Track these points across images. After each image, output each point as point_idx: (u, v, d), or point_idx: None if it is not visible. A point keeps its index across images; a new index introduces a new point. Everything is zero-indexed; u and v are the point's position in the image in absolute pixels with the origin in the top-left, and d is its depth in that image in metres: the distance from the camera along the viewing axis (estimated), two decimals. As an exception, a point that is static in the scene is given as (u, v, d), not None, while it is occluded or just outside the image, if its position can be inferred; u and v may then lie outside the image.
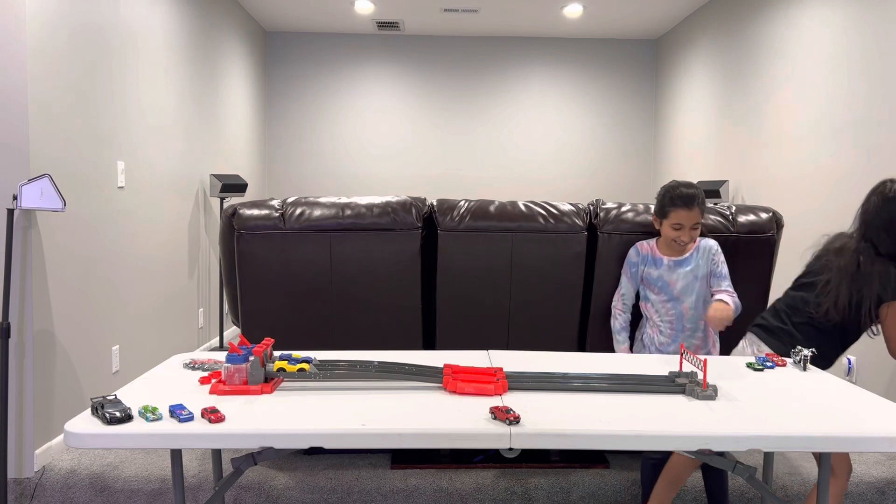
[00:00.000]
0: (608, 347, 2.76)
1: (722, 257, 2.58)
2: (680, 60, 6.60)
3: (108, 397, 1.57)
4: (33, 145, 2.92)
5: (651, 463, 2.51)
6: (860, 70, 3.79)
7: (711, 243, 2.59)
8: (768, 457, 2.24)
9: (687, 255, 2.56)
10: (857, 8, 3.83)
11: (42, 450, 2.97)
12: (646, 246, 2.62)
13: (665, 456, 2.43)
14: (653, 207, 2.83)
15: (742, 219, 2.79)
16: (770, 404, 1.72)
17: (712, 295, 2.55)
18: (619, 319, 2.65)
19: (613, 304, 2.67)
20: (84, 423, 1.50)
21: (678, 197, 2.48)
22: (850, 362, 3.75)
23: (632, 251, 2.63)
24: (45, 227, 3.02)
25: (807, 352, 2.13)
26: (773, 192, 4.66)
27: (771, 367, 2.10)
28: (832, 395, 1.81)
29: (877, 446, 1.56)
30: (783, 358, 2.16)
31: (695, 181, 6.02)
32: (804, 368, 2.09)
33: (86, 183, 3.37)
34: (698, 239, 2.58)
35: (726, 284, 2.55)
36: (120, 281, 3.75)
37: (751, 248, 2.76)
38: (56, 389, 3.11)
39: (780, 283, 4.38)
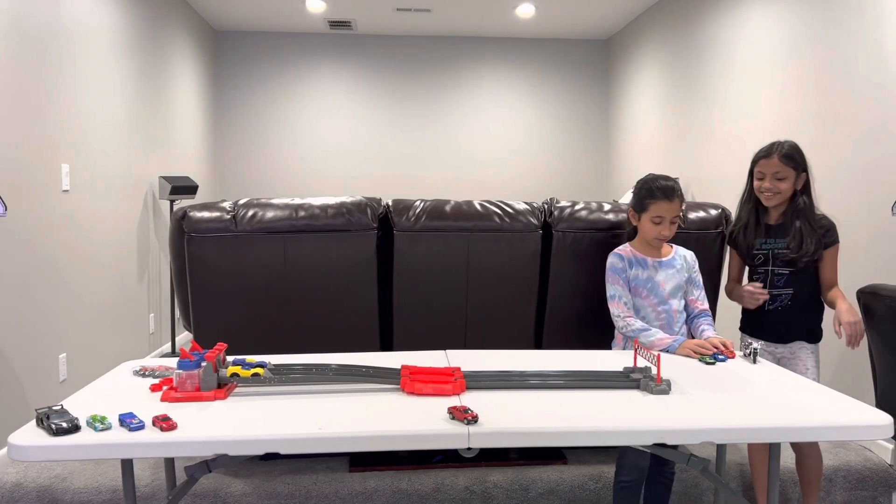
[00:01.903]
0: (564, 344, 2.78)
1: (698, 265, 2.55)
2: (630, 60, 6.71)
3: (54, 407, 1.52)
4: (-29, 148, 2.82)
5: (622, 486, 2.36)
6: (804, 68, 3.90)
7: (689, 252, 2.55)
8: (721, 449, 2.28)
9: (669, 256, 2.50)
10: (802, 8, 3.93)
11: (-15, 463, 2.86)
12: (626, 250, 2.49)
13: (639, 481, 2.34)
14: (607, 206, 2.86)
15: (692, 215, 2.84)
16: (722, 397, 1.75)
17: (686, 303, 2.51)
18: (635, 323, 2.39)
19: (616, 314, 2.43)
20: (29, 435, 1.45)
21: (658, 189, 2.40)
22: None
23: (613, 259, 2.48)
24: (-14, 232, 2.91)
25: (756, 345, 2.18)
26: (722, 189, 4.77)
27: (723, 361, 2.15)
28: (781, 387, 1.86)
29: (824, 435, 1.61)
30: (732, 351, 2.21)
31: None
32: (754, 361, 2.14)
33: (29, 187, 3.26)
34: (674, 246, 2.53)
35: (700, 294, 2.51)
36: (66, 287, 3.64)
37: (700, 243, 2.81)
38: (-1, 400, 3.00)
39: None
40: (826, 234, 2.47)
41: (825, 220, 2.50)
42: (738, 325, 2.68)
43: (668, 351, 2.27)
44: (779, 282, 2.51)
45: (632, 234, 2.56)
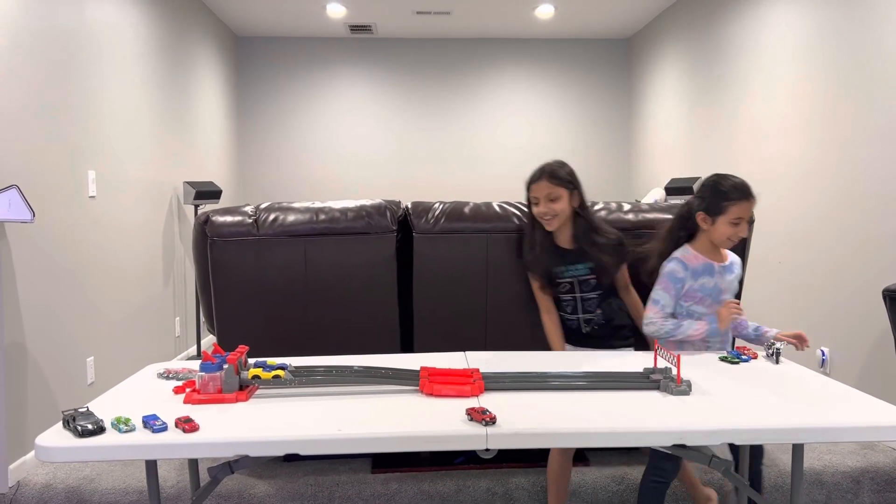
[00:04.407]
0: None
1: None
2: (651, 59, 6.66)
3: (80, 409, 1.55)
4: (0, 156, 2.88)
5: (653, 485, 2.25)
6: (826, 67, 3.85)
7: (737, 256, 2.44)
8: (744, 450, 2.26)
9: (728, 260, 2.37)
10: (823, 6, 3.88)
11: (16, 465, 2.92)
12: (689, 257, 2.33)
13: (670, 478, 2.26)
14: (626, 206, 2.84)
15: (714, 215, 2.82)
16: (743, 398, 1.73)
17: None
18: (667, 324, 2.29)
19: (651, 320, 2.31)
20: (55, 437, 1.48)
21: (736, 188, 2.25)
22: (823, 354, 3.80)
23: (675, 266, 2.31)
24: (15, 238, 2.97)
25: (779, 345, 2.16)
26: (745, 188, 4.71)
27: (746, 361, 2.13)
28: (805, 387, 1.84)
29: (849, 436, 1.59)
30: (755, 351, 2.19)
31: (668, 178, 6.09)
32: (776, 361, 2.12)
33: (56, 193, 3.33)
34: (727, 251, 2.40)
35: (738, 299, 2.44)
36: (94, 291, 3.70)
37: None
38: (30, 403, 3.06)
39: (751, 278, 4.44)
40: (621, 251, 2.44)
41: (614, 235, 2.45)
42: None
43: (709, 333, 2.27)
44: (589, 307, 2.45)
45: (681, 238, 2.39)
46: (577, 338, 2.50)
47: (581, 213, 2.42)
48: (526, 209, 2.82)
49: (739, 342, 2.45)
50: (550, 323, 2.51)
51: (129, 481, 2.88)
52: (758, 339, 2.37)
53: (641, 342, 2.49)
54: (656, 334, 2.31)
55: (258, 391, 1.80)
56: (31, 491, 2.82)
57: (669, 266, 2.33)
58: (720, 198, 2.27)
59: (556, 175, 2.39)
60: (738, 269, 2.41)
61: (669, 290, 2.31)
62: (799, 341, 2.26)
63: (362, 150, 7.25)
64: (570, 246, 2.44)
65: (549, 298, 2.50)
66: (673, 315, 2.34)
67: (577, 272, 2.42)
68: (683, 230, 2.38)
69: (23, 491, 2.82)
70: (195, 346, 5.43)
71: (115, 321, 3.97)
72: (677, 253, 2.35)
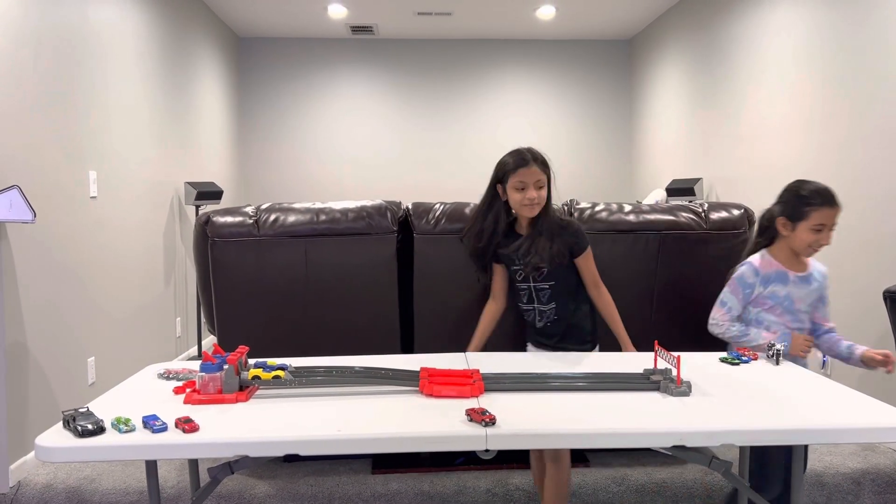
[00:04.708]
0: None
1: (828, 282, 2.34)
2: (653, 60, 6.66)
3: (80, 410, 1.55)
4: (0, 156, 2.88)
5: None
6: (826, 68, 3.85)
7: (824, 267, 2.34)
8: (744, 451, 2.26)
9: (808, 271, 2.28)
10: (823, 8, 3.88)
11: (17, 465, 2.92)
12: (763, 262, 2.27)
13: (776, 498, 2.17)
14: (627, 207, 2.84)
15: (714, 216, 2.82)
16: (744, 399, 1.73)
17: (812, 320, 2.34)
18: (733, 328, 2.28)
19: (716, 321, 2.30)
20: (55, 437, 1.48)
21: (819, 193, 2.17)
22: (824, 355, 3.79)
23: (747, 270, 2.27)
24: (16, 238, 2.98)
25: (780, 346, 2.15)
26: (745, 189, 4.72)
27: (746, 362, 2.12)
28: (805, 389, 1.84)
29: (850, 438, 1.59)
30: (756, 352, 2.19)
31: (669, 179, 6.09)
32: (777, 363, 2.12)
33: (57, 193, 3.33)
34: (810, 260, 2.31)
35: (828, 311, 2.36)
36: (95, 292, 3.70)
37: (723, 244, 2.79)
38: (30, 403, 3.06)
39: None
40: (576, 241, 2.34)
41: (572, 227, 2.36)
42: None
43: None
44: (543, 297, 2.37)
45: (760, 244, 2.34)
46: (535, 333, 2.44)
47: (549, 202, 2.36)
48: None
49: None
50: (486, 310, 2.50)
51: (129, 481, 2.88)
52: (850, 357, 2.28)
53: (606, 347, 2.43)
54: (722, 336, 2.29)
55: (258, 391, 1.80)
56: (32, 491, 2.82)
57: (741, 269, 2.29)
58: (801, 203, 2.19)
59: (544, 161, 2.32)
60: (820, 281, 2.30)
61: (738, 293, 2.28)
62: (886, 362, 2.17)
63: (363, 150, 7.25)
64: (526, 233, 2.35)
65: (501, 284, 2.46)
66: (740, 319, 2.30)
67: (531, 260, 2.31)
68: (764, 236, 2.32)
69: (23, 491, 2.82)
70: (196, 347, 5.44)
71: (115, 321, 3.98)
72: (753, 257, 2.30)
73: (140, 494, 2.78)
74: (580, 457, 3.02)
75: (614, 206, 2.83)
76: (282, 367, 1.84)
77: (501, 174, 2.34)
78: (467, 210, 2.80)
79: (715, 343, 2.59)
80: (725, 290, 2.31)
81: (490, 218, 2.37)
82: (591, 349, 2.41)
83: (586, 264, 2.38)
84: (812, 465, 2.86)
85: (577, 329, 2.40)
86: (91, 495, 2.79)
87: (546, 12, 6.26)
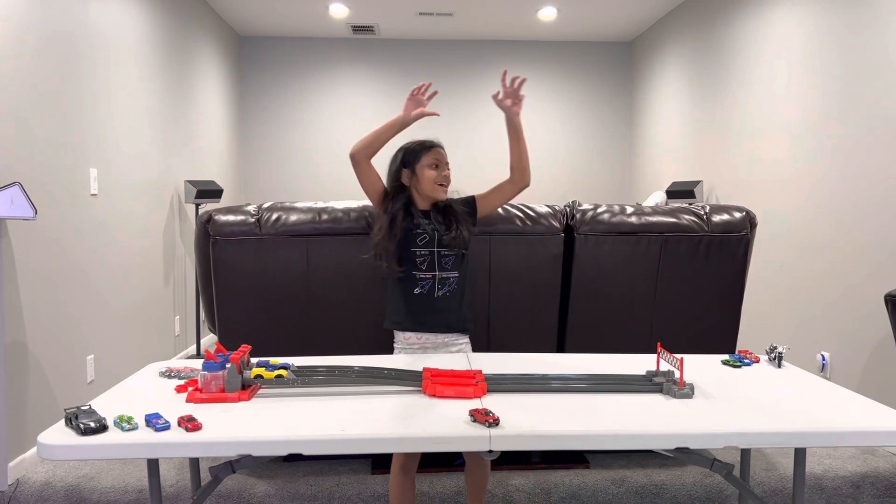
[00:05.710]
0: (586, 347, 2.77)
1: None
2: (654, 62, 6.67)
3: (82, 407, 1.55)
4: (2, 152, 2.88)
5: None
6: (830, 70, 3.85)
7: None
8: (745, 453, 2.26)
9: None
10: (826, 9, 3.89)
11: (16, 462, 2.92)
12: None
13: None
14: (629, 208, 2.85)
15: (716, 218, 2.82)
16: (746, 401, 1.73)
17: None
18: None
19: None
20: (57, 435, 1.48)
21: None
22: (823, 358, 3.80)
23: None
24: (16, 235, 2.97)
25: (781, 348, 2.16)
26: (746, 192, 4.72)
27: (748, 365, 2.13)
28: (806, 392, 1.84)
29: (850, 441, 1.59)
30: (757, 355, 2.19)
31: (670, 181, 6.09)
32: (779, 365, 2.12)
33: (58, 190, 3.32)
34: None
35: None
36: (94, 289, 3.70)
37: (725, 247, 2.79)
38: (29, 401, 3.06)
39: (752, 281, 4.43)
40: (465, 202, 2.43)
41: (457, 198, 2.45)
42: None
43: None
44: (447, 264, 2.30)
45: None
46: (424, 310, 2.30)
47: None
48: (529, 211, 2.82)
49: (741, 345, 2.45)
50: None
51: (128, 480, 2.88)
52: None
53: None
54: None
55: (260, 391, 1.79)
56: (31, 489, 2.82)
57: None
58: None
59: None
60: None
61: None
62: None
63: (363, 150, 7.23)
64: (428, 207, 2.36)
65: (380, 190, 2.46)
66: None
67: (438, 228, 2.30)
68: None
69: (22, 488, 2.82)
70: (195, 345, 5.43)
71: (115, 319, 3.97)
72: None
73: (139, 493, 2.78)
74: (580, 458, 3.02)
75: (616, 208, 2.83)
76: (284, 367, 1.84)
77: (411, 156, 2.39)
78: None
79: (716, 345, 2.59)
80: None
81: (399, 202, 2.35)
82: (468, 343, 2.37)
83: (486, 196, 2.44)
84: (811, 469, 2.86)
85: (467, 307, 2.35)
86: (90, 493, 2.78)
87: (547, 14, 6.26)
